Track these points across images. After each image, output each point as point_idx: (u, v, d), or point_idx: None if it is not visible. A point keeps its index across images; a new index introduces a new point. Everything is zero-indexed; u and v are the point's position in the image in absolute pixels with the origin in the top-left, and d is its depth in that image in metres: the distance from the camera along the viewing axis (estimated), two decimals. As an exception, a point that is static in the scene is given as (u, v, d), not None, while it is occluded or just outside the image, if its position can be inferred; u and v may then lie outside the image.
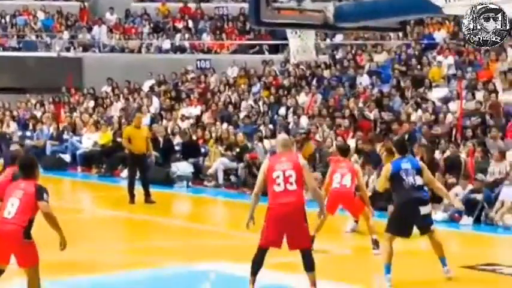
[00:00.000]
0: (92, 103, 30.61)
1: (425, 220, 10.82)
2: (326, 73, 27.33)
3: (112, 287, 11.28)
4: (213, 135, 23.86)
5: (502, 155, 17.49)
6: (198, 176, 22.67)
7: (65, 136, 27.31)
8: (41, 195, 8.51)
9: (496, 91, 20.99)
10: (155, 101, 29.08)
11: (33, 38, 34.90)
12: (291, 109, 24.83)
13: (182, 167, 22.54)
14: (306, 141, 20.80)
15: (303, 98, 25.60)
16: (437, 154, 18.56)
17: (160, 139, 23.83)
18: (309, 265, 9.65)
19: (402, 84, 23.95)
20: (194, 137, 24.24)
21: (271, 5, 10.69)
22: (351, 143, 19.71)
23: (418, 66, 25.01)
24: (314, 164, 19.78)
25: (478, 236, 15.58)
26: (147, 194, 18.81)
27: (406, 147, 11.48)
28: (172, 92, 29.77)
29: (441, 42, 26.62)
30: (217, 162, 22.14)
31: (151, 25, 35.39)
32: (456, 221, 16.36)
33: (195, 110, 27.47)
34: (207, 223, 17.54)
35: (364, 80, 25.61)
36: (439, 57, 25.14)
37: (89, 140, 26.26)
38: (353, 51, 28.84)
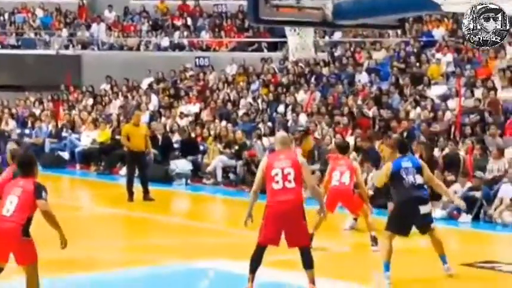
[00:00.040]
0: (90, 101, 30.57)
1: (425, 219, 10.82)
2: (325, 71, 27.28)
3: (111, 285, 11.28)
4: (212, 132, 23.83)
5: (501, 153, 17.50)
6: (197, 173, 22.65)
7: (64, 134, 27.27)
8: (40, 193, 8.49)
9: (494, 88, 21.00)
10: (154, 98, 29.03)
11: (32, 35, 34.84)
12: (290, 107, 24.81)
13: (181, 165, 22.51)
14: (305, 137, 20.77)
15: (301, 96, 25.57)
16: (436, 151, 18.56)
17: (159, 137, 23.81)
18: (307, 263, 9.65)
19: (401, 81, 23.94)
20: (193, 135, 24.22)
21: (270, 3, 10.67)
22: (350, 140, 19.68)
23: (417, 64, 24.98)
24: (313, 161, 19.78)
25: (477, 233, 15.60)
26: (146, 192, 18.80)
27: (406, 146, 11.50)
28: (171, 90, 29.75)
29: (440, 39, 26.57)
30: (216, 160, 22.12)
31: (150, 23, 35.31)
32: (455, 219, 16.36)
33: (194, 108, 27.44)
34: (206, 221, 17.52)
35: (362, 78, 25.59)
36: (438, 55, 25.11)
37: (88, 138, 26.25)
38: (352, 49, 28.80)
